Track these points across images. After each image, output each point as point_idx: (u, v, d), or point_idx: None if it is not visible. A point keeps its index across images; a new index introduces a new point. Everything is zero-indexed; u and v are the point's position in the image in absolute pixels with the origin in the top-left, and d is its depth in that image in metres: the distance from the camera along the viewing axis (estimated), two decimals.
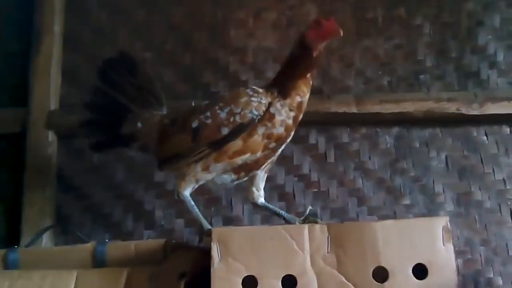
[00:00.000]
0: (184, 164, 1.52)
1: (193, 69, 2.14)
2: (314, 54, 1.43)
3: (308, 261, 1.22)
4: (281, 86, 1.48)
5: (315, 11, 2.18)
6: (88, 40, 2.17)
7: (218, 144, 1.46)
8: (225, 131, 1.45)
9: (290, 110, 1.47)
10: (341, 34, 1.40)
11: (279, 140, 1.50)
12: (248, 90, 1.51)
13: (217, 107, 1.49)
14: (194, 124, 1.50)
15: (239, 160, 1.48)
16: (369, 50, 2.14)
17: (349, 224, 1.27)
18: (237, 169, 1.52)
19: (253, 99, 1.46)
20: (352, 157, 2.05)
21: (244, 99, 1.47)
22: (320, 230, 1.24)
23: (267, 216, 1.99)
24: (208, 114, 1.49)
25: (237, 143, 1.45)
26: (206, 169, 1.49)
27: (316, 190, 2.03)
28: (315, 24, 1.42)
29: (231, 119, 1.45)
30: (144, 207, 2.01)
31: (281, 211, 1.62)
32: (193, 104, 1.98)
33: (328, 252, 1.23)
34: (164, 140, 1.60)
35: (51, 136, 2.02)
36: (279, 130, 1.48)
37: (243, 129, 1.44)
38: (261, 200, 1.64)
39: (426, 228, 1.23)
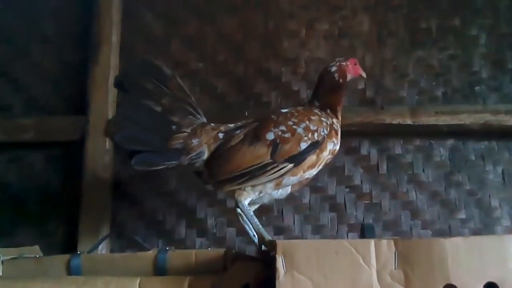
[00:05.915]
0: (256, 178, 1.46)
1: (245, 79, 2.16)
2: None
3: (374, 277, 1.20)
4: (331, 108, 1.61)
5: (368, 22, 2.17)
6: (143, 50, 2.21)
7: (296, 159, 1.47)
8: (303, 146, 1.48)
9: (340, 128, 1.60)
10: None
11: (334, 156, 1.58)
12: (315, 110, 1.57)
13: (291, 123, 1.50)
14: (270, 136, 1.47)
15: (308, 174, 1.51)
16: (423, 61, 2.11)
17: (417, 241, 1.24)
18: (296, 184, 1.55)
19: (323, 119, 1.53)
20: (405, 169, 2.03)
21: (316, 118, 1.53)
22: (387, 245, 1.22)
23: (318, 226, 1.99)
24: (284, 128, 1.49)
25: (312, 158, 1.50)
26: (279, 183, 1.50)
27: (368, 202, 2.01)
28: (353, 62, 1.65)
29: (309, 135, 1.48)
30: (196, 215, 2.04)
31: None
32: (246, 114, 2.01)
33: (395, 268, 1.20)
34: (230, 154, 1.48)
35: (108, 144, 2.07)
36: (338, 145, 1.58)
37: (317, 146, 1.49)
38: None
39: (497, 246, 1.20)
